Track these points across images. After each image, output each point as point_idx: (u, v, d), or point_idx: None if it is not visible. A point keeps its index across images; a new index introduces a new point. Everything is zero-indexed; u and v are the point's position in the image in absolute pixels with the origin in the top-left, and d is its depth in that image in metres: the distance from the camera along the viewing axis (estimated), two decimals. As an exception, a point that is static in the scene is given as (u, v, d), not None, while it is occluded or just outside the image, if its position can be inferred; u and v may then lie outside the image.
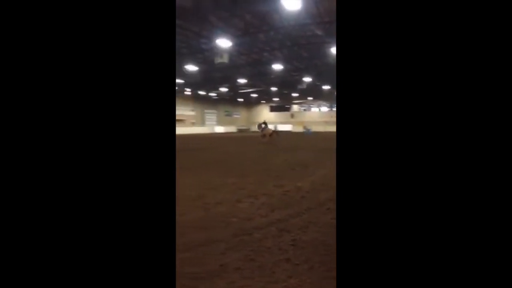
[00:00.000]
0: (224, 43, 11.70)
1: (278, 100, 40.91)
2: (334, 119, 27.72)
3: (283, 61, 17.05)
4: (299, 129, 34.39)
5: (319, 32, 11.83)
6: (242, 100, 40.99)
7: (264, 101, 43.41)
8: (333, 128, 28.44)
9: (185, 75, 20.85)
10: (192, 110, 35.36)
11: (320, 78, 21.57)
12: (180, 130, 31.44)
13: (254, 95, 35.10)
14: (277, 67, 17.87)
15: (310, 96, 35.28)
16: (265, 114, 44.90)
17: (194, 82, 24.22)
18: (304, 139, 18.71)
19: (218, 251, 2.34)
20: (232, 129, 39.17)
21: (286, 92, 31.38)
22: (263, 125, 14.80)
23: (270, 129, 14.02)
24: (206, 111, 37.77)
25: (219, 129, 37.53)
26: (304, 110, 40.99)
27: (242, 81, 23.21)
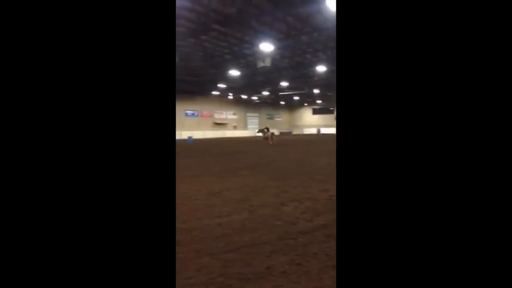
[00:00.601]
0: (266, 47, 11.81)
1: (321, 103, 40.12)
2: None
3: (327, 62, 16.71)
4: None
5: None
6: (284, 103, 40.94)
7: (306, 104, 42.90)
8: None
9: (228, 80, 21.42)
10: (234, 114, 36.14)
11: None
12: (222, 133, 32.34)
13: (296, 98, 34.83)
14: (321, 68, 17.55)
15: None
16: (308, 117, 44.31)
17: (236, 86, 24.76)
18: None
19: (263, 253, 2.34)
20: (274, 132, 39.23)
21: (329, 94, 30.66)
22: (265, 130, 19.79)
23: (269, 133, 18.95)
24: (248, 114, 38.37)
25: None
26: (349, 112, 39.49)
27: (284, 84, 23.18)
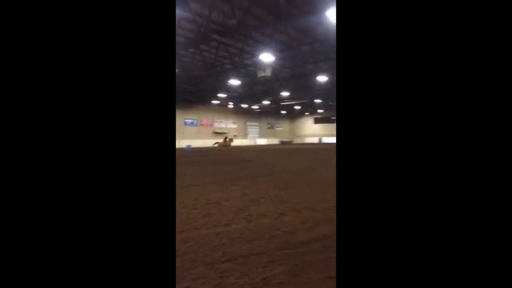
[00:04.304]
0: (267, 57, 11.91)
1: (322, 112, 40.23)
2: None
3: (329, 72, 16.82)
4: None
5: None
6: (285, 112, 41.08)
7: (308, 113, 43.01)
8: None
9: (228, 89, 21.55)
10: (234, 123, 36.23)
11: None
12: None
13: (298, 107, 34.95)
14: (322, 78, 17.65)
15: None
16: (309, 126, 44.37)
17: (236, 95, 24.91)
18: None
19: (260, 263, 2.30)
20: (274, 141, 39.24)
21: (331, 103, 30.78)
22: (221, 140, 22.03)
23: (221, 142, 21.00)
24: (248, 123, 38.44)
25: (261, 141, 37.83)
26: (350, 122, 39.56)
27: (285, 93, 23.30)
